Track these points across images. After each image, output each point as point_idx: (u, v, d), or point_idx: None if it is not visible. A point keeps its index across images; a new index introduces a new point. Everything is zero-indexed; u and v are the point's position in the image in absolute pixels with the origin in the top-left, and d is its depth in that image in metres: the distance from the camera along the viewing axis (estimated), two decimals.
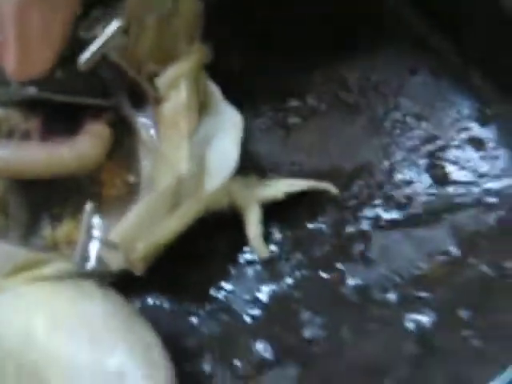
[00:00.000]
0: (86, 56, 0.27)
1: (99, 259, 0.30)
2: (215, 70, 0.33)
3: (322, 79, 0.36)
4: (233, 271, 0.32)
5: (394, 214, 0.32)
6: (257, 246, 0.31)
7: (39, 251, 0.30)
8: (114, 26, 0.27)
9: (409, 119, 0.34)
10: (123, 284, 0.30)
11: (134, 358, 0.26)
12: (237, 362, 0.30)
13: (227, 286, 0.32)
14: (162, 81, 0.31)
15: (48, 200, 0.32)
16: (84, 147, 0.29)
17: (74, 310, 0.27)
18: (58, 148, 0.29)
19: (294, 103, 0.36)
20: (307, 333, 0.30)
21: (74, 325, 0.27)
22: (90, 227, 0.28)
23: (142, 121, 0.32)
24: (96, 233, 0.29)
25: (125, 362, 0.26)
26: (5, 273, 0.29)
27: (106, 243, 0.29)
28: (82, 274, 0.29)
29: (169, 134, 0.30)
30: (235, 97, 0.32)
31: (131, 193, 0.32)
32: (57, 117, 0.31)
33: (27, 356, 0.26)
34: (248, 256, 0.32)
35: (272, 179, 0.32)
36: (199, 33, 0.33)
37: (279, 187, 0.31)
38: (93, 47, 0.27)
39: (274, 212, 0.32)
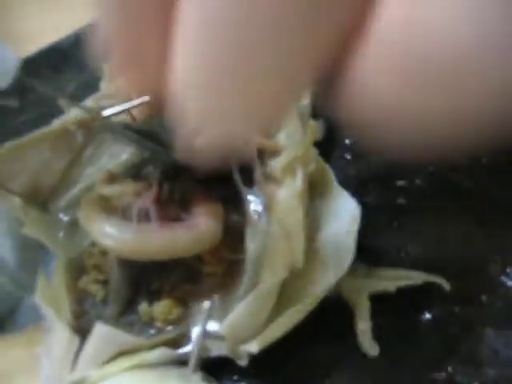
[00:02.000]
0: None
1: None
2: None
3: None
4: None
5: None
6: (365, 342, 0.29)
7: (138, 331, 0.29)
8: None
9: None
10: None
11: None
12: None
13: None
14: (276, 164, 0.30)
15: (147, 275, 0.31)
16: (202, 228, 0.28)
17: None
18: (176, 231, 0.28)
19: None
20: None
21: None
22: (205, 326, 0.27)
23: (251, 199, 0.31)
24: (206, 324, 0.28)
25: None
26: (107, 358, 0.28)
27: (214, 334, 0.28)
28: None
29: (282, 222, 0.29)
30: None
31: (233, 273, 0.31)
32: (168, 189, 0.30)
33: None
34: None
35: (381, 270, 0.31)
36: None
37: (390, 279, 0.30)
38: None
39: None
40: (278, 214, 0.29)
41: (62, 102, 0.31)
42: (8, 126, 0.37)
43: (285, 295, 0.29)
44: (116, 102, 0.32)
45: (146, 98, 0.32)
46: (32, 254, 0.33)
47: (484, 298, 0.32)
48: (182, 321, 0.31)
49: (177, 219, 0.29)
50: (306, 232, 0.29)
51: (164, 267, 0.31)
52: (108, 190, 0.28)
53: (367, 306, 0.30)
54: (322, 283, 0.28)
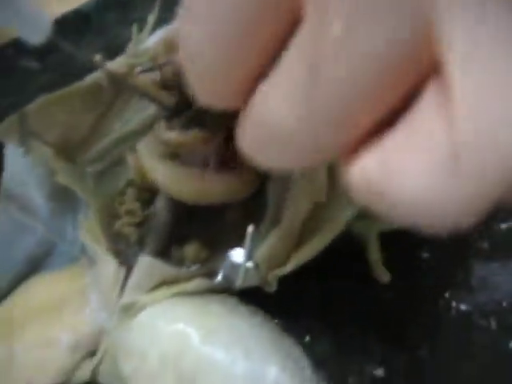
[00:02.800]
0: None
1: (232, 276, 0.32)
2: None
3: None
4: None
5: None
6: (378, 270, 0.33)
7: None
8: None
9: None
10: None
11: (287, 371, 0.28)
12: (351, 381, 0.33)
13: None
14: None
15: (180, 219, 0.34)
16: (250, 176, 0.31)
17: (225, 323, 0.30)
18: (230, 177, 0.31)
19: None
20: (418, 352, 0.33)
21: (226, 337, 0.29)
22: (250, 249, 0.30)
23: None
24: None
25: (279, 374, 0.28)
26: (150, 287, 0.31)
27: (248, 263, 0.31)
28: (218, 290, 0.32)
29: None
30: None
31: (256, 214, 0.34)
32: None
33: (184, 360, 0.28)
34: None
35: None
36: None
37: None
38: None
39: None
40: None
41: (97, 57, 0.34)
42: (29, 87, 0.38)
43: (308, 225, 0.32)
44: (145, 60, 0.35)
45: (175, 58, 0.35)
46: (62, 203, 0.36)
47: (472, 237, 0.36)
48: (209, 262, 0.34)
49: (229, 167, 0.32)
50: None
51: (193, 212, 0.34)
52: (169, 136, 0.31)
53: (376, 241, 0.34)
54: (342, 214, 0.32)
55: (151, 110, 0.36)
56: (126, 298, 0.30)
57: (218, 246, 0.34)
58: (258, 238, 0.32)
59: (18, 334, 0.32)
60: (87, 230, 0.32)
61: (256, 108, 0.16)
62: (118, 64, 0.35)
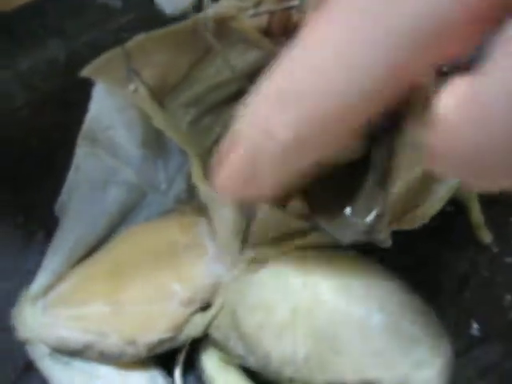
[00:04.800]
0: None
1: None
2: None
3: None
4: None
5: None
6: (482, 232, 0.33)
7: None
8: None
9: None
10: None
11: (421, 326, 0.28)
12: None
13: None
14: None
15: None
16: None
17: (355, 276, 0.29)
18: None
19: None
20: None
21: (358, 290, 0.28)
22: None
23: None
24: None
25: (414, 328, 0.28)
26: (270, 238, 0.29)
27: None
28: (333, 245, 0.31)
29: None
30: None
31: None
32: None
33: (317, 312, 0.27)
34: None
35: None
36: None
37: None
38: None
39: None
40: None
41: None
42: (109, 26, 0.36)
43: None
44: (251, 5, 0.33)
45: (294, 3, 0.33)
46: (154, 151, 0.34)
47: None
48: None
49: None
50: None
51: None
52: None
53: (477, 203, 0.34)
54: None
55: (250, 57, 0.34)
56: (249, 251, 0.29)
57: (319, 203, 0.33)
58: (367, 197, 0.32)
59: (123, 287, 0.29)
60: (197, 172, 0.30)
61: None
62: (223, 7, 0.33)
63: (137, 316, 0.29)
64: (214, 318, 0.29)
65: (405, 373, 0.27)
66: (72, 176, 0.34)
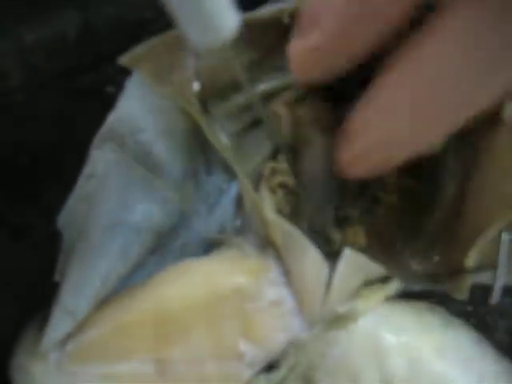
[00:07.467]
0: None
1: None
2: None
3: None
4: None
5: None
6: None
7: None
8: None
9: None
10: None
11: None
12: None
13: None
14: None
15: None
16: None
17: (447, 336, 0.25)
18: None
19: None
20: None
21: (455, 353, 0.24)
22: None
23: None
24: None
25: None
26: (353, 289, 0.25)
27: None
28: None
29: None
30: None
31: (412, 199, 0.30)
32: None
33: (415, 376, 0.23)
34: None
35: None
36: None
37: None
38: None
39: None
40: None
41: None
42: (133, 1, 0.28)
43: None
44: None
45: None
46: (194, 164, 0.27)
47: None
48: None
49: None
50: None
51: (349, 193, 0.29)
52: None
53: None
54: None
55: None
56: (336, 304, 0.24)
57: (377, 234, 0.29)
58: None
59: (171, 341, 0.23)
60: (258, 206, 0.25)
61: None
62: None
63: (188, 378, 0.23)
64: (282, 381, 0.24)
65: None
66: (84, 184, 0.27)
